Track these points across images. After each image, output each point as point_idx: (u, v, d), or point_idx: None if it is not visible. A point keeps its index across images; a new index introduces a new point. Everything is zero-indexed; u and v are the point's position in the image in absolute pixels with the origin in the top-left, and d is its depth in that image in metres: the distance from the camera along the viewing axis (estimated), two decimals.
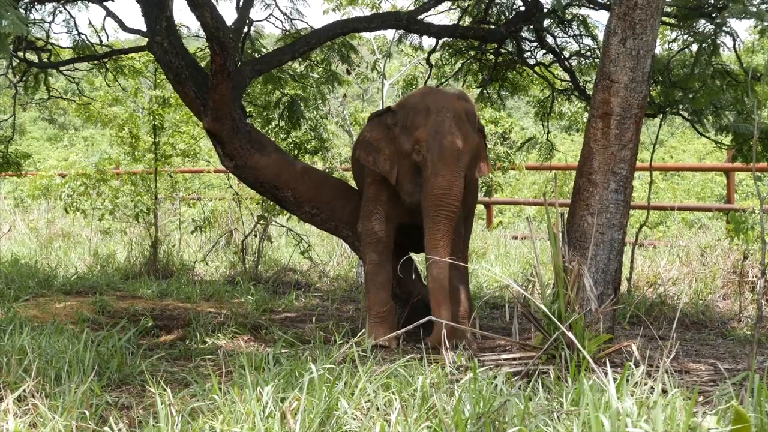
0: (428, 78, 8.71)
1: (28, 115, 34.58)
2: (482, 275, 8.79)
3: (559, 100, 8.58)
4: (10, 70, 8.89)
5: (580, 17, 7.37)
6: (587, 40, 7.53)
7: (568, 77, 7.77)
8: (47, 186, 14.45)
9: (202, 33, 6.60)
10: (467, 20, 7.97)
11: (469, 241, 6.81)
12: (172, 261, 9.98)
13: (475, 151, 5.74)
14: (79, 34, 8.30)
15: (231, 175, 8.17)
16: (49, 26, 8.39)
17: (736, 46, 6.35)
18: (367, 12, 11.54)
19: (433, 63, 8.38)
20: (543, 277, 4.91)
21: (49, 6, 8.10)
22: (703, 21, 6.19)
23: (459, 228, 6.02)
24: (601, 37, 6.72)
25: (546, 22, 7.39)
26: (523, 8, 7.37)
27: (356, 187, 6.68)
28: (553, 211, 5.08)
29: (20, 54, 8.17)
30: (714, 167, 14.66)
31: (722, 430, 3.07)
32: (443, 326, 4.96)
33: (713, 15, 6.06)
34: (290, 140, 9.53)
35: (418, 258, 6.91)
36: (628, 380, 3.65)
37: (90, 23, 8.57)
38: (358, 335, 4.82)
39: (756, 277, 7.60)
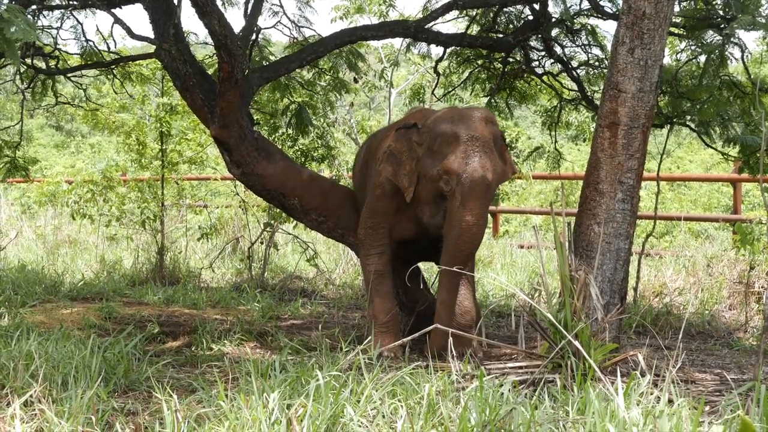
0: (436, 87, 8.72)
1: (36, 122, 34.64)
2: (488, 284, 8.79)
3: (567, 109, 8.58)
4: (18, 77, 8.91)
5: (589, 27, 7.38)
6: (595, 50, 7.54)
7: (575, 87, 7.76)
8: (54, 192, 14.46)
9: (209, 40, 6.62)
10: (475, 29, 7.97)
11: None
12: (178, 268, 9.98)
13: (502, 180, 5.77)
14: (87, 40, 8.31)
15: (238, 182, 8.17)
16: (57, 33, 8.41)
17: (744, 57, 6.35)
18: (375, 20, 11.58)
19: (441, 72, 8.38)
20: (549, 286, 4.91)
21: (57, 12, 8.12)
22: (711, 32, 6.19)
23: None
24: (609, 46, 6.73)
25: (554, 32, 7.40)
26: (531, 17, 7.38)
27: (356, 192, 6.67)
28: (559, 221, 5.08)
29: (28, 60, 8.19)
30: (721, 178, 14.64)
31: None
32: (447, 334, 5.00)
33: (721, 26, 6.06)
34: (297, 148, 9.54)
35: (424, 266, 6.91)
36: (634, 389, 3.65)
37: (98, 30, 8.59)
38: (364, 343, 4.82)
39: (762, 287, 7.59)
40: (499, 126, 6.01)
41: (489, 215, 14.27)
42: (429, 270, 7.97)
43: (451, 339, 4.63)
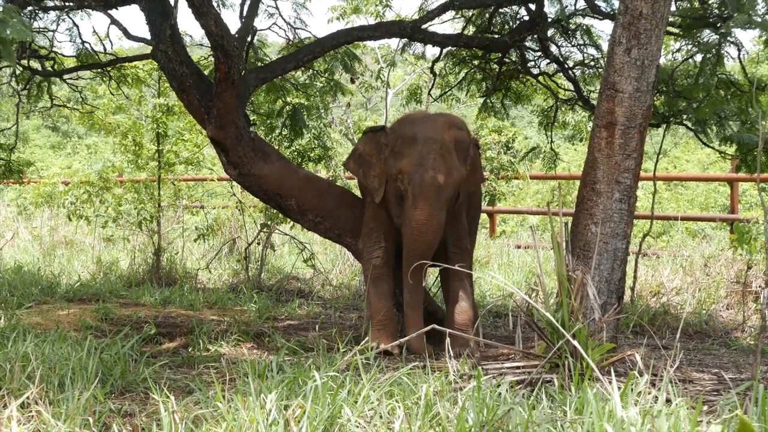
0: (432, 87, 8.72)
1: (32, 123, 34.60)
2: (485, 284, 8.79)
3: (563, 109, 8.59)
4: (14, 79, 8.89)
5: (585, 27, 7.38)
6: (591, 50, 7.54)
7: (572, 87, 7.77)
8: (50, 193, 14.46)
9: (206, 41, 6.61)
10: (471, 29, 7.97)
11: (473, 250, 6.82)
12: (175, 269, 9.98)
13: (461, 183, 5.80)
14: (83, 42, 8.30)
15: (234, 183, 8.17)
16: (53, 34, 8.40)
17: (741, 56, 6.35)
18: (371, 21, 11.55)
19: (437, 72, 8.37)
20: (546, 286, 4.91)
21: (53, 15, 8.11)
22: (707, 31, 6.18)
23: (463, 240, 6.05)
24: (605, 46, 6.74)
25: (550, 32, 7.41)
26: (527, 18, 7.38)
27: (361, 197, 6.70)
28: (556, 221, 5.08)
29: (24, 62, 8.17)
30: (718, 177, 14.65)
31: None
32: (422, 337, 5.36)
33: (718, 25, 6.06)
34: (294, 149, 9.53)
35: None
36: (631, 389, 3.65)
37: (94, 31, 8.59)
38: (362, 343, 4.82)
39: (759, 287, 7.59)
40: (470, 133, 6.10)
41: (486, 215, 14.36)
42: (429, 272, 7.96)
43: (448, 339, 4.63)
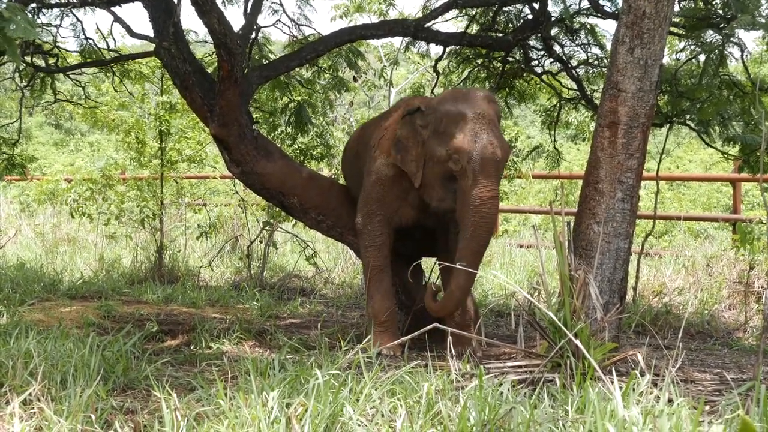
0: (435, 85, 8.71)
1: (35, 120, 34.63)
2: (487, 283, 8.79)
3: (566, 108, 8.58)
4: (17, 74, 8.90)
5: (588, 26, 7.37)
6: (595, 49, 7.54)
7: (575, 86, 7.76)
8: (53, 191, 14.46)
9: (209, 39, 6.61)
10: (475, 28, 7.97)
11: None
12: (177, 266, 9.98)
13: (509, 155, 5.68)
14: (87, 38, 8.31)
15: (237, 181, 8.17)
16: (57, 30, 8.40)
17: (744, 56, 6.35)
18: (375, 19, 11.57)
19: (441, 71, 8.38)
20: (548, 286, 4.91)
21: (57, 10, 8.11)
22: (711, 31, 6.19)
23: None
24: (608, 46, 6.73)
25: (554, 31, 7.40)
26: (530, 16, 7.38)
27: (347, 185, 6.66)
28: (559, 220, 5.07)
29: (27, 58, 8.17)
30: (720, 177, 14.64)
31: None
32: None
33: (721, 26, 6.06)
34: (296, 147, 9.54)
35: (424, 265, 6.90)
36: (633, 389, 3.65)
37: (97, 28, 8.61)
38: (364, 342, 4.82)
39: (762, 287, 7.59)
40: (499, 105, 6.00)
41: None
42: (427, 268, 7.96)
43: (450, 338, 4.63)
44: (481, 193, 5.37)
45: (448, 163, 5.49)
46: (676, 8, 6.53)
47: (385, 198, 5.95)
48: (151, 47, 6.87)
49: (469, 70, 8.30)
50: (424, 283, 6.56)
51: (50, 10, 8.06)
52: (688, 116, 6.74)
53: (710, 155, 20.11)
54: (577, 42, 7.57)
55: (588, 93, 7.63)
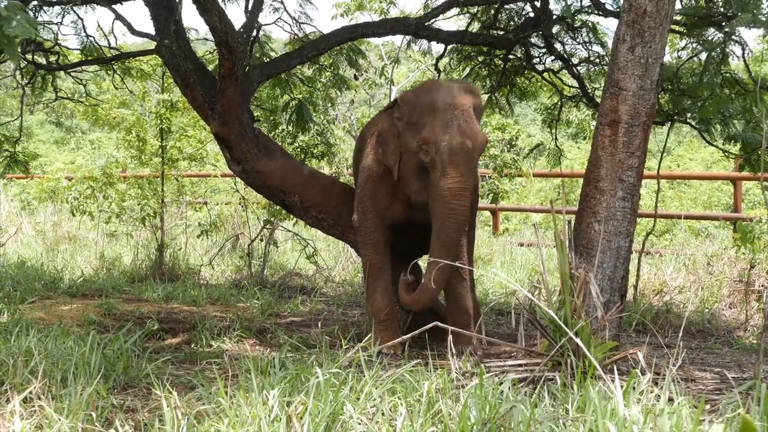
0: None
1: (35, 118, 34.64)
2: (488, 281, 8.79)
3: (567, 107, 8.57)
4: (18, 72, 8.90)
5: (590, 24, 7.37)
6: (596, 47, 7.53)
7: (576, 84, 7.76)
8: (54, 189, 14.47)
9: (210, 37, 6.61)
10: (476, 26, 7.96)
11: (474, 246, 6.80)
12: (178, 264, 9.99)
13: (485, 148, 5.63)
14: (87, 36, 8.31)
15: (238, 179, 8.17)
16: (58, 28, 8.40)
17: (745, 55, 6.34)
18: (376, 17, 11.56)
19: (442, 69, 8.37)
20: (549, 284, 4.90)
21: (58, 8, 8.10)
22: (712, 30, 6.18)
23: (469, 232, 5.98)
24: (609, 44, 6.72)
25: (555, 29, 7.40)
26: (532, 14, 7.37)
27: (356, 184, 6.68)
28: (559, 218, 5.07)
29: (28, 56, 8.17)
30: (721, 176, 14.64)
31: None
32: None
33: (722, 24, 6.05)
34: (297, 145, 9.53)
35: (423, 263, 6.90)
36: (634, 388, 3.65)
37: (98, 26, 8.60)
38: (364, 340, 4.81)
39: (762, 286, 7.58)
40: (482, 100, 5.94)
41: (489, 213, 14.34)
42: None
43: (450, 335, 4.62)
44: (449, 184, 5.35)
45: (420, 154, 5.49)
46: (677, 6, 6.52)
47: (376, 194, 5.95)
48: (152, 45, 6.88)
49: (470, 68, 8.29)
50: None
51: (51, 7, 8.06)
52: (689, 114, 6.73)
53: (711, 154, 20.13)
54: (578, 40, 7.56)
55: (589, 91, 7.62)
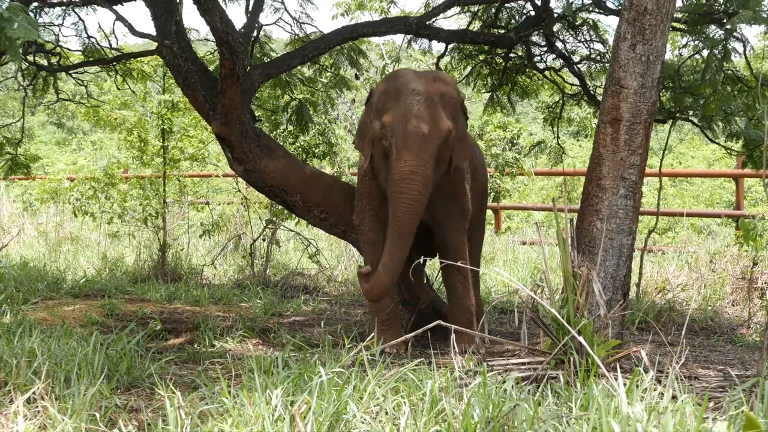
0: None
1: (37, 119, 34.67)
2: (490, 280, 8.79)
3: (569, 105, 8.57)
4: (20, 74, 8.90)
5: (591, 22, 7.37)
6: (597, 45, 7.54)
7: (577, 82, 7.76)
8: (56, 190, 14.47)
9: (211, 37, 6.62)
10: (477, 25, 7.96)
11: (482, 246, 6.80)
12: (180, 264, 9.99)
13: (448, 137, 5.47)
14: (89, 37, 8.31)
15: (239, 179, 8.17)
16: (59, 29, 8.40)
17: (747, 52, 6.34)
18: (376, 17, 11.55)
19: (443, 68, 8.37)
20: (552, 283, 4.90)
21: (59, 9, 8.11)
22: (713, 27, 6.19)
23: (459, 222, 5.90)
24: (610, 42, 6.73)
25: (556, 27, 7.40)
26: (533, 13, 7.37)
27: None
28: (562, 217, 5.07)
29: (29, 57, 8.18)
30: (723, 173, 14.63)
31: None
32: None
33: (723, 21, 6.05)
34: (298, 144, 9.54)
35: (428, 263, 6.90)
36: (637, 386, 3.64)
37: (99, 27, 8.58)
38: (367, 339, 4.81)
39: (765, 283, 7.59)
40: (459, 92, 5.84)
41: (491, 211, 14.34)
42: (431, 266, 7.97)
43: (453, 335, 4.61)
44: (401, 167, 5.29)
45: (383, 140, 5.45)
46: (678, 4, 6.52)
47: (370, 192, 5.94)
48: (153, 46, 6.88)
49: (471, 66, 8.29)
50: (425, 281, 6.55)
51: (52, 9, 8.06)
52: (690, 112, 6.73)
53: (713, 151, 20.14)
54: (579, 38, 7.57)
55: (590, 89, 7.63)
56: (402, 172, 5.28)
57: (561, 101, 8.19)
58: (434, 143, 5.37)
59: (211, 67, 7.37)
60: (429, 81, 5.52)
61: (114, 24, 7.83)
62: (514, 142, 14.38)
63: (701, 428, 3.11)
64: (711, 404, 3.97)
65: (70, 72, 8.63)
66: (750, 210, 12.15)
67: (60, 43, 8.51)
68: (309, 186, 6.58)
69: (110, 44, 8.53)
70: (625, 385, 3.48)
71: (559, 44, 7.57)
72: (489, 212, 14.99)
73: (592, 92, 7.59)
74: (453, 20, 9.71)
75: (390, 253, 5.38)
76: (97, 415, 3.61)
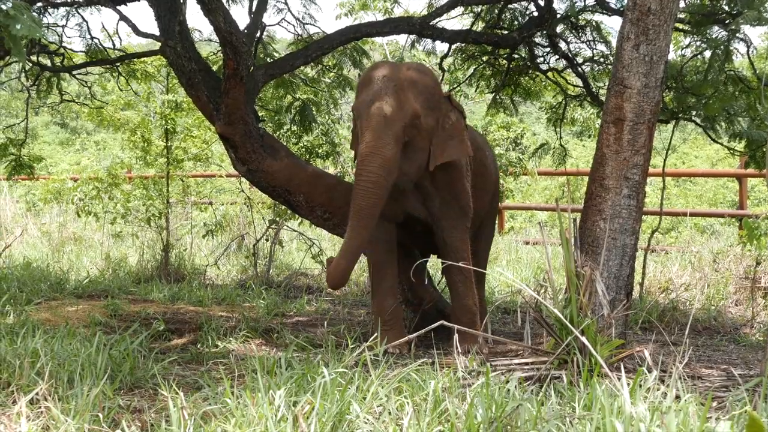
0: (441, 83, 8.71)
1: (40, 120, 34.68)
2: (494, 280, 8.78)
3: (572, 105, 8.57)
4: (23, 74, 8.91)
5: (594, 23, 7.37)
6: (600, 46, 7.53)
7: (580, 83, 7.76)
8: (59, 190, 14.47)
9: (214, 37, 6.62)
10: (480, 25, 7.96)
11: (490, 245, 6.80)
12: (183, 265, 10.00)
13: (415, 120, 5.39)
14: (92, 37, 8.32)
15: (243, 179, 8.17)
16: (62, 30, 8.41)
17: (750, 52, 6.35)
18: (380, 17, 11.56)
19: (446, 68, 8.37)
20: (555, 282, 4.90)
21: (62, 10, 8.11)
22: (716, 27, 6.19)
23: (457, 221, 5.85)
24: (614, 42, 6.72)
25: (559, 28, 7.40)
26: (536, 14, 7.38)
27: None
28: (565, 216, 5.07)
29: (33, 58, 8.19)
30: (726, 173, 14.63)
31: None
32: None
33: (726, 21, 6.06)
34: (302, 145, 9.54)
35: (430, 262, 6.90)
36: (640, 385, 3.64)
37: (103, 27, 8.61)
38: (370, 339, 4.81)
39: None
40: (438, 83, 5.81)
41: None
42: (433, 266, 7.97)
43: (456, 335, 4.61)
44: (362, 149, 5.26)
45: (357, 127, 5.46)
46: (682, 4, 6.52)
47: None
48: (157, 46, 6.88)
49: (474, 67, 8.30)
50: (429, 280, 6.55)
51: (56, 9, 8.07)
52: (693, 112, 6.73)
53: (716, 151, 20.12)
54: (582, 39, 7.56)
55: (593, 90, 7.62)
56: (362, 153, 5.25)
57: (564, 102, 8.19)
58: (397, 125, 5.30)
59: (215, 68, 7.37)
60: (402, 69, 5.52)
61: (118, 24, 7.86)
62: (518, 142, 14.38)
63: (704, 428, 3.11)
64: (714, 404, 3.97)
65: (74, 72, 8.64)
66: (753, 210, 12.13)
67: (63, 44, 8.52)
68: (312, 186, 6.57)
69: (114, 44, 8.54)
70: (628, 384, 3.47)
71: (562, 45, 7.57)
72: None
73: (595, 93, 7.59)
74: (456, 21, 9.72)
75: (349, 237, 5.32)
76: (101, 415, 3.61)
